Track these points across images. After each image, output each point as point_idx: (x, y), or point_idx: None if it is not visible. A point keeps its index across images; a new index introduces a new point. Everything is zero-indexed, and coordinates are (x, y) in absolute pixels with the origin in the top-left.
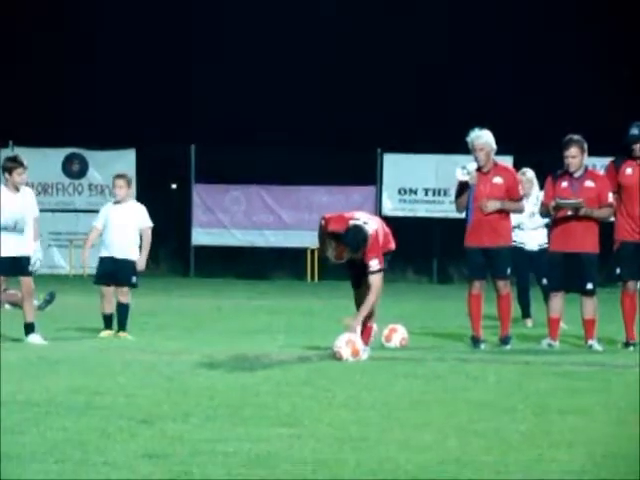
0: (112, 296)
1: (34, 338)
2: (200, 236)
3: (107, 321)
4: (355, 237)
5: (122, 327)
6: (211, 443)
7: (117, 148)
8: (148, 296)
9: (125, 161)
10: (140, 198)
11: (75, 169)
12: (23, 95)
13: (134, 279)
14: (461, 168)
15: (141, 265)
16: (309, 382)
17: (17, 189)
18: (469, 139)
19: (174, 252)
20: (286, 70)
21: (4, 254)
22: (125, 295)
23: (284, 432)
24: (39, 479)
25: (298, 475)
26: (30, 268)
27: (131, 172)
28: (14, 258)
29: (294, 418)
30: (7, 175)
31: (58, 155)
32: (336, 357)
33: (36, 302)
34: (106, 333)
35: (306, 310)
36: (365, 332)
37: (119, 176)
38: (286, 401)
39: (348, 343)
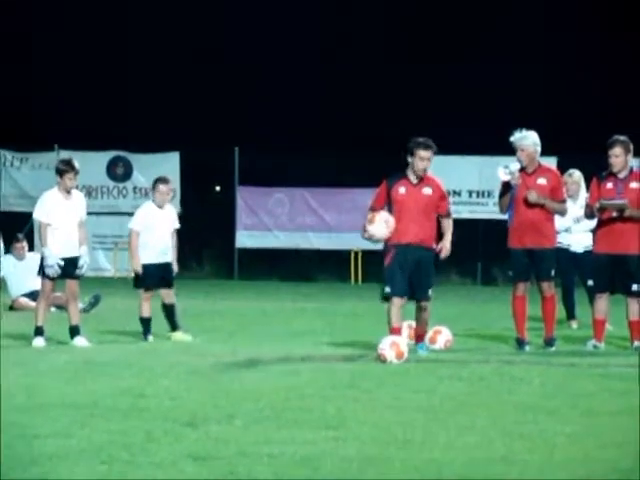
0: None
1: (79, 341)
2: (244, 238)
3: (148, 325)
4: None
5: (175, 327)
6: (256, 445)
7: (161, 151)
8: (192, 299)
9: (169, 164)
10: (184, 201)
11: (119, 172)
12: (69, 98)
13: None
14: (503, 167)
15: (175, 267)
16: (353, 385)
17: (68, 192)
18: (513, 139)
19: (218, 255)
20: (331, 72)
21: (55, 255)
22: (172, 296)
23: (329, 434)
24: (87, 479)
25: (344, 474)
26: (77, 271)
27: (175, 175)
28: (62, 260)
29: (339, 420)
30: (59, 178)
31: (103, 158)
32: (380, 359)
33: (81, 305)
34: (151, 338)
35: (350, 312)
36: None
37: (165, 181)
38: (331, 403)
39: (392, 345)
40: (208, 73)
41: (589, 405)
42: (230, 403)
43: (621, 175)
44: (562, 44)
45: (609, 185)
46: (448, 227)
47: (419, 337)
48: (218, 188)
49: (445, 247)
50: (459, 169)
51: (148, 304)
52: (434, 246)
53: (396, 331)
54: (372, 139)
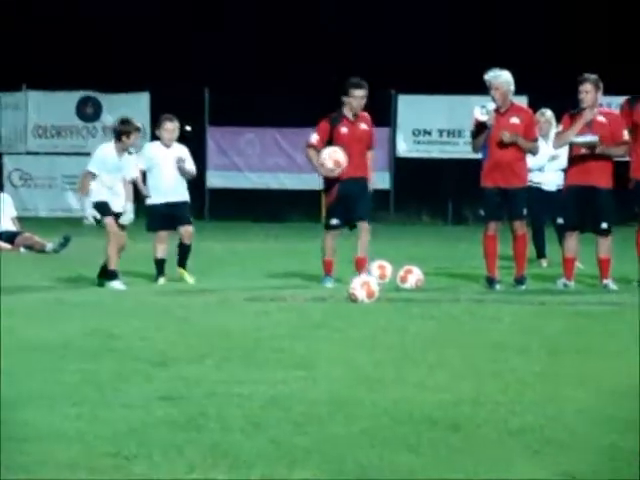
0: (167, 241)
1: (116, 284)
2: (214, 179)
3: (161, 266)
4: None
5: (183, 264)
6: (227, 385)
7: (131, 91)
8: None
9: (139, 104)
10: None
11: (89, 112)
12: (37, 38)
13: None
14: (480, 107)
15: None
16: (324, 324)
17: (123, 151)
18: (487, 77)
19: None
20: (297, 10)
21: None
22: (190, 236)
23: (300, 374)
24: (58, 420)
25: (314, 416)
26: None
27: (145, 115)
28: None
29: (309, 360)
30: (124, 138)
31: (72, 98)
32: (351, 299)
33: (51, 245)
34: (163, 280)
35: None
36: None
37: (170, 118)
38: (301, 343)
39: (363, 285)
40: (177, 13)
41: (558, 343)
42: (201, 343)
43: (589, 110)
44: None
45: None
46: (373, 159)
47: (359, 265)
48: (188, 128)
49: (371, 179)
50: (429, 108)
51: (162, 246)
52: (367, 176)
53: (329, 264)
54: (342, 79)
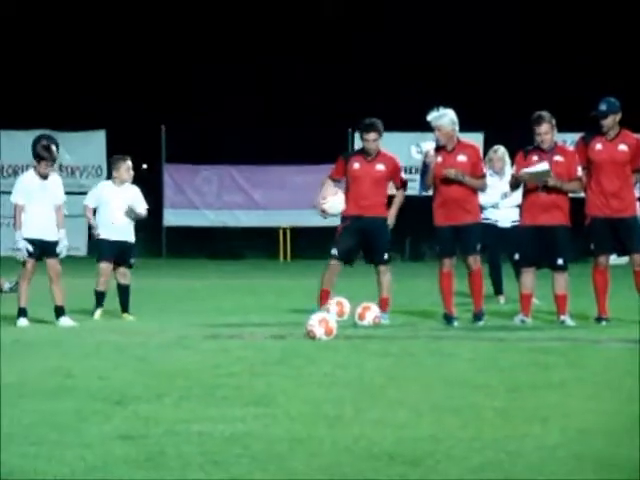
0: (110, 275)
1: (64, 321)
2: (172, 217)
3: (101, 298)
4: None
5: (126, 308)
6: (186, 423)
7: (87, 129)
8: None
9: (96, 143)
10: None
11: None
12: None
13: (133, 260)
14: (415, 146)
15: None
16: (283, 361)
17: (44, 177)
18: (430, 118)
19: (146, 233)
20: (254, 49)
21: (33, 237)
22: (127, 276)
23: (259, 411)
24: (17, 460)
25: (274, 453)
26: (58, 252)
27: (102, 153)
28: (42, 241)
29: (269, 397)
30: (36, 162)
31: (28, 137)
32: (309, 336)
33: (8, 284)
34: (99, 313)
35: (279, 289)
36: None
37: (124, 159)
38: (260, 381)
39: (321, 322)
40: (134, 52)
41: (517, 379)
42: (159, 381)
43: (546, 148)
44: (487, 23)
45: (534, 158)
46: (397, 199)
47: (382, 305)
48: (145, 166)
49: (389, 220)
50: (390, 145)
51: (106, 278)
52: (385, 214)
53: (325, 293)
54: (300, 116)
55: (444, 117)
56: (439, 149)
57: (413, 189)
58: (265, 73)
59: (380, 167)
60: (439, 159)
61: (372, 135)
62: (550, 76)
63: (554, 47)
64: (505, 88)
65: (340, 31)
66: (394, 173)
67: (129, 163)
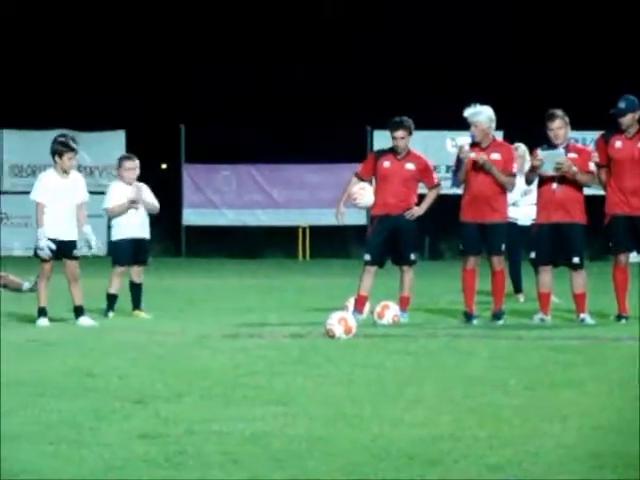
0: (122, 277)
1: (84, 320)
2: (191, 216)
3: (113, 301)
4: None
5: (138, 305)
6: (205, 423)
7: (107, 129)
8: None
9: (115, 142)
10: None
11: None
12: (12, 78)
13: (149, 258)
14: (451, 140)
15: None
16: (302, 361)
17: (66, 173)
18: (466, 114)
19: (165, 232)
20: (273, 48)
21: (52, 236)
22: (141, 275)
23: (278, 411)
24: (35, 459)
25: (293, 452)
26: (75, 252)
27: (122, 153)
28: (61, 242)
29: (288, 397)
30: (57, 158)
31: (47, 137)
32: (329, 335)
33: (27, 284)
34: (111, 316)
35: (298, 288)
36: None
37: (131, 158)
38: (279, 380)
39: (340, 321)
40: (152, 51)
41: (535, 378)
42: (179, 381)
43: (559, 144)
44: (506, 17)
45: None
46: (429, 197)
47: (402, 303)
48: (164, 166)
49: (414, 209)
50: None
51: (120, 281)
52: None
53: (361, 299)
54: (320, 116)
55: (481, 114)
56: (474, 145)
57: None
58: (265, 73)
59: (410, 166)
60: (473, 155)
61: (400, 132)
62: (550, 76)
63: (554, 47)
64: (505, 88)
65: (340, 31)
66: (424, 173)
67: (136, 161)
